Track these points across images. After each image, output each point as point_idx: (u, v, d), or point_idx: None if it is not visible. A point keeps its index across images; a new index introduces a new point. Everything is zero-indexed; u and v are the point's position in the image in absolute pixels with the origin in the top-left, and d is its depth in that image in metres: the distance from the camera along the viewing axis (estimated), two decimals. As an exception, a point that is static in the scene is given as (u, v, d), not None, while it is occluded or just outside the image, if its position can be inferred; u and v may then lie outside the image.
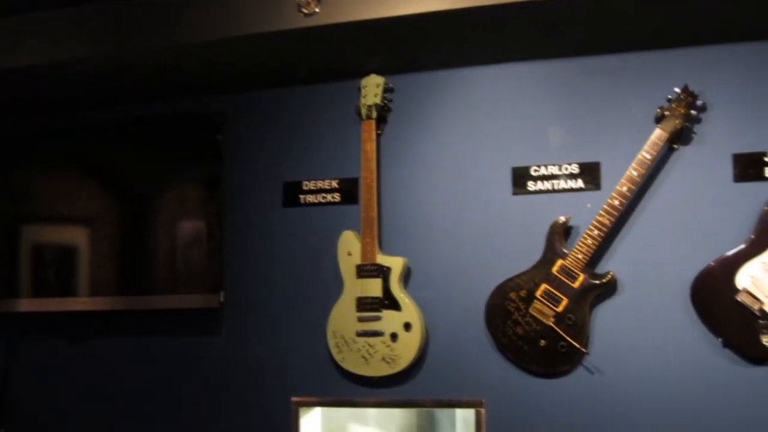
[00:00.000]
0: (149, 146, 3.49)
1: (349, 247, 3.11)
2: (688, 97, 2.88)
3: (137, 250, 3.46)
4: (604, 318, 2.93)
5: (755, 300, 2.78)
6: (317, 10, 2.85)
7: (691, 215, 2.91)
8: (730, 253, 2.82)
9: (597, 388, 2.91)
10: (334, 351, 3.10)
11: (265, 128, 3.38)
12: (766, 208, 2.80)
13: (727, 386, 2.79)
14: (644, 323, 2.90)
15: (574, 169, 3.01)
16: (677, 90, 2.89)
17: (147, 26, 3.04)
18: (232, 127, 3.39)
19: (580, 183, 3.01)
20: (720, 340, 2.83)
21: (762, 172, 2.87)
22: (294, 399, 3.14)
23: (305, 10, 2.86)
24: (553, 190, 3.03)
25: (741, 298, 2.79)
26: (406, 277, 3.10)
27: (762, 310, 2.77)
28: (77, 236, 3.51)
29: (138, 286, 3.44)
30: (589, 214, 2.91)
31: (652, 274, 2.91)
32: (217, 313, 3.31)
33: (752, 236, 2.82)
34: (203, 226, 3.35)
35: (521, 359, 2.98)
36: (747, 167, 2.89)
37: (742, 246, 2.81)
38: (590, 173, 2.99)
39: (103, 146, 3.55)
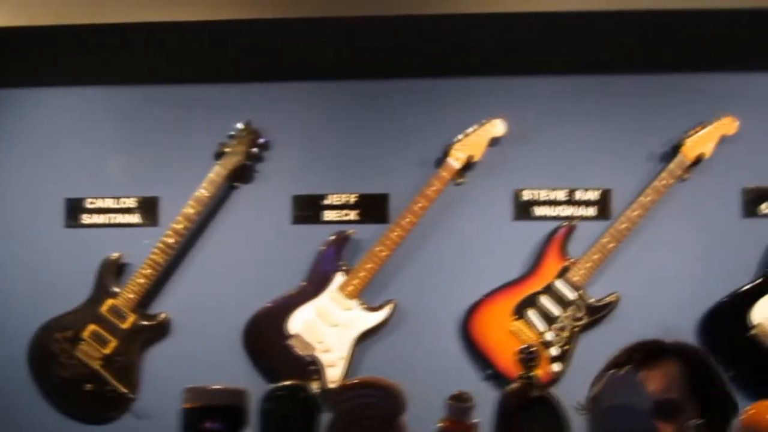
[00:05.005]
0: None
1: None
2: (250, 135, 2.78)
3: None
4: (157, 360, 2.78)
5: (306, 345, 2.71)
6: None
7: (251, 256, 2.83)
8: (283, 296, 2.76)
9: (148, 435, 2.75)
10: None
11: None
12: (322, 248, 2.73)
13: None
14: (198, 366, 2.78)
15: (132, 203, 2.83)
16: (240, 126, 2.76)
17: None
18: None
19: (137, 218, 2.83)
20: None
21: (320, 214, 2.81)
22: None
23: None
24: (109, 224, 2.84)
25: (292, 343, 2.71)
26: (-56, 313, 2.80)
27: (312, 356, 2.70)
28: None
29: None
30: (147, 251, 2.72)
31: (208, 315, 2.81)
32: None
33: (306, 280, 2.75)
34: None
35: (66, 405, 2.79)
36: (306, 209, 2.82)
37: (296, 290, 2.75)
38: (148, 208, 2.83)
39: None
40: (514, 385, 1.97)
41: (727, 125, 2.76)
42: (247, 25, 2.59)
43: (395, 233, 2.69)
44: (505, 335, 2.71)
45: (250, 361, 2.76)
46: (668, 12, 2.51)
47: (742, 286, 2.72)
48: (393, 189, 2.81)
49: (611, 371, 1.85)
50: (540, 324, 2.71)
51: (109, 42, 2.62)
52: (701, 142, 2.75)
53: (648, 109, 2.82)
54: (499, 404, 1.89)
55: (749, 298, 2.72)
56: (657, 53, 2.74)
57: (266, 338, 2.75)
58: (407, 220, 2.69)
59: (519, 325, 2.71)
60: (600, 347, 2.62)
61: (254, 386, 2.61)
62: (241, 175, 2.80)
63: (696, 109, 2.78)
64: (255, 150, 2.78)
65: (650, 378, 1.67)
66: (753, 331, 2.68)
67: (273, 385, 2.34)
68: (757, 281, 2.73)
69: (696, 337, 2.70)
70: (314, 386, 2.73)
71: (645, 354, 1.71)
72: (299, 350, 2.71)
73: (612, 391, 1.67)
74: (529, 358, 2.36)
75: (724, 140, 2.74)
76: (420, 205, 2.70)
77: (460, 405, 1.87)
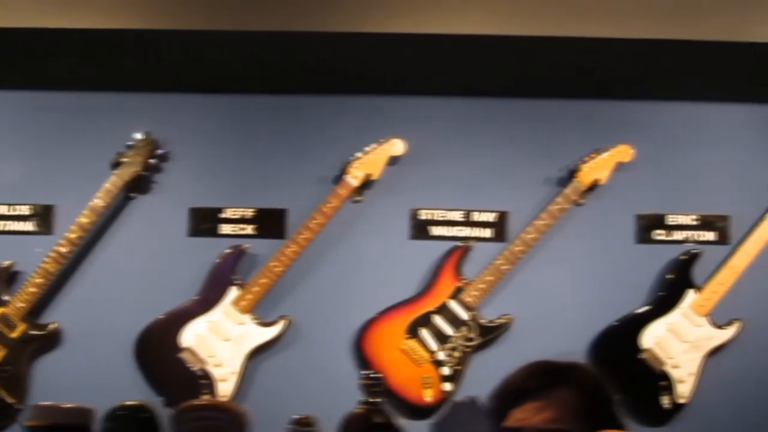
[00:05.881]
0: None
1: None
2: (149, 145, 2.76)
3: None
4: (47, 371, 2.75)
5: (198, 359, 2.70)
6: None
7: (146, 267, 2.82)
8: (176, 309, 2.74)
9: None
10: None
11: None
12: (217, 261, 2.72)
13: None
14: (88, 377, 2.76)
15: (26, 210, 2.81)
16: (138, 136, 2.75)
17: None
18: None
19: (31, 226, 2.80)
20: (162, 399, 2.72)
21: (217, 228, 2.81)
22: None
23: None
24: (2, 232, 2.82)
25: (184, 356, 2.70)
26: None
27: (203, 370, 2.69)
28: None
29: None
30: (40, 259, 2.70)
31: (100, 326, 2.77)
32: None
33: (200, 294, 2.75)
34: None
35: (-47, 413, 2.73)
36: (203, 222, 2.82)
37: (189, 303, 2.74)
38: (43, 216, 2.80)
39: None
40: (357, 410, 1.97)
41: (623, 152, 2.80)
42: (147, 35, 2.59)
43: (291, 249, 2.70)
44: (398, 354, 2.72)
45: (141, 373, 2.74)
46: (567, 39, 2.55)
47: (634, 311, 2.75)
48: (291, 205, 2.80)
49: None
50: (433, 343, 2.73)
51: (2, 46, 2.58)
52: (597, 168, 2.78)
53: (545, 134, 2.85)
54: (340, 429, 1.89)
55: (640, 322, 2.77)
56: (556, 79, 2.78)
57: (158, 351, 2.73)
58: (303, 236, 2.70)
59: (411, 344, 2.73)
60: (492, 368, 2.67)
61: (145, 398, 2.64)
62: (138, 185, 2.78)
63: (593, 135, 2.82)
64: (153, 161, 2.77)
65: (543, 407, 1.66)
66: (643, 355, 2.72)
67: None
68: (649, 306, 2.77)
69: (587, 359, 2.72)
70: (205, 399, 2.72)
71: (540, 381, 1.69)
72: (191, 364, 2.70)
73: (454, 419, 1.67)
74: (372, 383, 2.37)
75: (619, 167, 2.78)
76: (317, 221, 2.71)
77: (300, 430, 1.88)
